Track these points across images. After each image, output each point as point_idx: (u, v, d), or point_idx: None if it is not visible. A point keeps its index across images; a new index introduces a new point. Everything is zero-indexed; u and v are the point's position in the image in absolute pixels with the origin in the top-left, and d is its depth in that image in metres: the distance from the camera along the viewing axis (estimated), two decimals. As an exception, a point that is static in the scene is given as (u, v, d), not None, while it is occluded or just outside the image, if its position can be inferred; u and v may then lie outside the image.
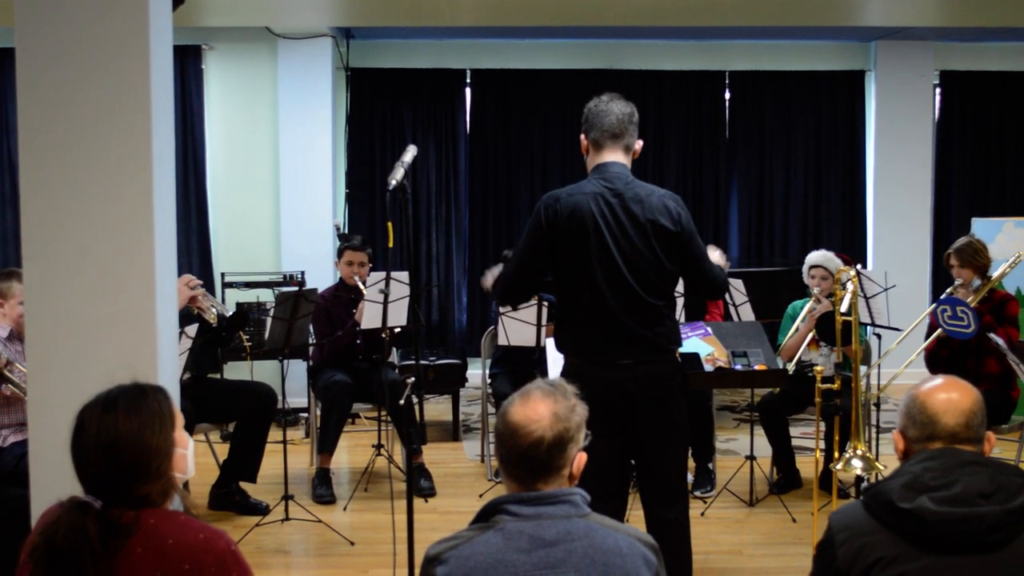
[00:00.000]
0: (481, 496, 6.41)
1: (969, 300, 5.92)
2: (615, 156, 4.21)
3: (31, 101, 3.74)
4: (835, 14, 8.49)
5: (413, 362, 7.69)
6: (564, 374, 4.17)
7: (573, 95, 9.85)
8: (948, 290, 6.18)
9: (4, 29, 8.24)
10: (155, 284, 3.79)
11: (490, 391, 7.17)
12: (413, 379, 4.39)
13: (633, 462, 4.24)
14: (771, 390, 6.46)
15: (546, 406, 2.44)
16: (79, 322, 3.75)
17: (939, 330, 5.99)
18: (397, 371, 7.53)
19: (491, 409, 7.20)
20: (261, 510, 6.12)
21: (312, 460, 7.08)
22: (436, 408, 9.02)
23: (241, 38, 9.22)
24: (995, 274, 6.09)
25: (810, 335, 6.28)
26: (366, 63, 9.76)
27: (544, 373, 5.96)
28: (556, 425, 2.42)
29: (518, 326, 6.57)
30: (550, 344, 4.99)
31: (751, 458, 6.37)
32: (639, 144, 4.27)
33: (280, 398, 6.26)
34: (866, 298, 5.93)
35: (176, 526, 2.44)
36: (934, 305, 6.03)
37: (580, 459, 2.48)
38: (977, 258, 6.07)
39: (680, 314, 6.01)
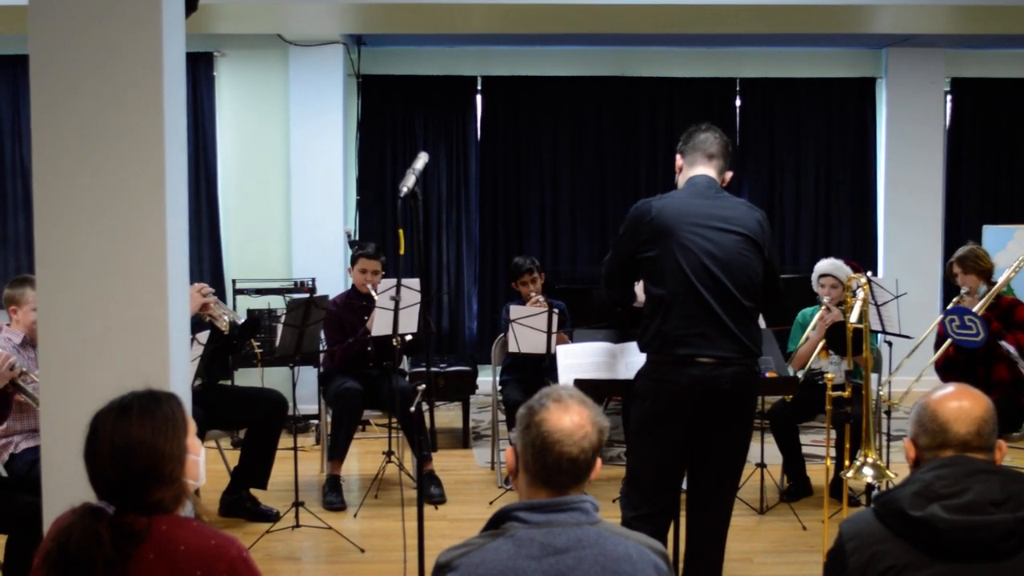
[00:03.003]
0: (491, 503, 6.41)
1: (977, 307, 5.91)
2: (706, 171, 4.32)
3: (44, 108, 3.75)
4: (846, 21, 8.47)
5: (423, 369, 7.72)
6: (643, 373, 4.26)
7: (584, 102, 9.90)
8: (955, 299, 6.18)
9: (18, 37, 8.27)
10: (167, 291, 3.80)
11: (500, 398, 7.17)
12: (423, 386, 4.40)
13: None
14: (782, 397, 6.46)
15: (586, 412, 2.46)
16: (92, 329, 3.76)
17: (948, 341, 5.99)
18: (407, 378, 7.55)
19: (501, 416, 7.20)
20: (271, 517, 6.13)
21: (322, 467, 7.09)
22: (446, 415, 9.02)
23: (253, 45, 9.25)
24: (1000, 279, 6.09)
25: (821, 343, 6.29)
26: (377, 70, 9.78)
27: (554, 380, 5.96)
28: (596, 431, 2.46)
29: (528, 333, 6.58)
30: (560, 351, 5.00)
31: (761, 466, 6.37)
32: (729, 174, 4.40)
33: (291, 405, 6.27)
34: (876, 305, 5.92)
35: (188, 532, 2.45)
36: (941, 316, 6.03)
37: (598, 464, 2.49)
38: (980, 263, 6.07)
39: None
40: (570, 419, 2.43)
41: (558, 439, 2.41)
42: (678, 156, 4.44)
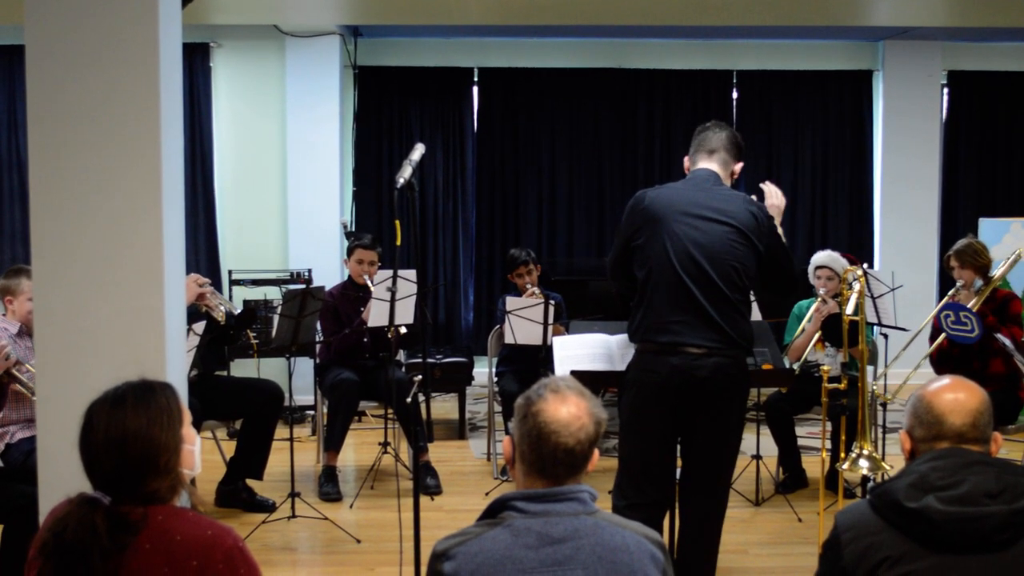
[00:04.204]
0: (487, 494, 6.42)
1: (972, 302, 5.93)
2: (707, 165, 4.35)
3: (40, 98, 3.75)
4: (843, 14, 8.48)
5: (420, 360, 7.73)
6: (631, 363, 4.27)
7: (581, 94, 9.90)
8: (950, 292, 6.19)
9: (14, 27, 8.26)
10: (164, 281, 3.80)
11: (496, 390, 7.18)
12: (420, 377, 4.40)
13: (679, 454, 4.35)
14: (778, 389, 6.46)
15: (584, 403, 2.46)
16: (88, 319, 3.76)
17: (943, 335, 6.00)
18: (404, 369, 7.55)
19: (497, 408, 7.21)
20: (268, 507, 6.13)
21: (319, 458, 7.09)
22: (442, 406, 9.03)
23: (249, 36, 9.23)
24: (996, 274, 6.09)
25: (816, 335, 6.29)
26: (374, 61, 9.77)
27: (551, 372, 5.96)
28: (594, 421, 2.45)
29: (525, 325, 6.58)
30: (556, 342, 5.00)
31: (757, 457, 6.38)
32: (738, 166, 4.42)
33: (287, 395, 6.27)
34: (873, 298, 5.93)
35: (184, 522, 2.44)
36: (936, 310, 6.05)
37: (595, 455, 2.49)
38: (977, 259, 6.08)
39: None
40: (567, 410, 2.43)
41: (555, 430, 2.41)
42: (686, 159, 4.47)
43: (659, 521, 4.27)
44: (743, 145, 4.47)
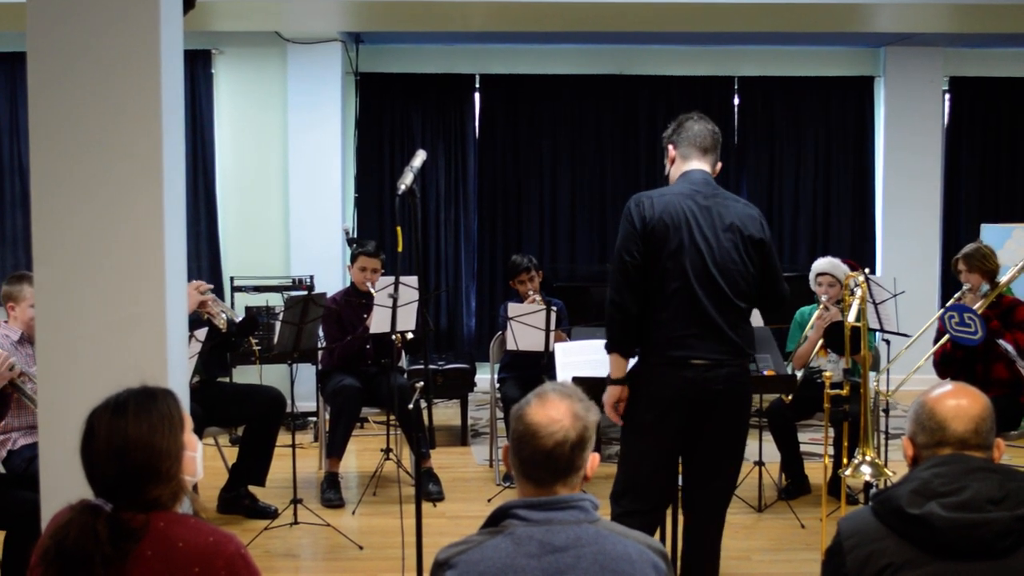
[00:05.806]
0: (489, 501, 6.41)
1: (977, 306, 5.91)
2: (702, 166, 4.28)
3: (42, 105, 3.75)
4: (844, 20, 8.47)
5: (422, 366, 7.72)
6: (635, 374, 4.20)
7: (583, 100, 9.90)
8: (956, 295, 6.18)
9: (16, 34, 8.27)
10: (165, 288, 3.79)
11: (498, 396, 7.17)
12: (422, 383, 4.39)
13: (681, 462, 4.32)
14: (780, 396, 6.45)
15: (566, 406, 2.45)
16: (89, 325, 3.75)
17: (946, 336, 5.99)
18: (406, 375, 7.54)
19: (499, 414, 7.20)
20: (270, 514, 6.13)
21: (321, 464, 7.09)
22: (445, 413, 9.02)
23: (251, 43, 9.24)
24: (1003, 279, 6.09)
25: (819, 342, 6.29)
26: (375, 68, 9.78)
27: (552, 378, 5.95)
28: (577, 424, 2.43)
29: (527, 331, 6.57)
30: (559, 349, 4.99)
31: (760, 464, 6.37)
32: (719, 165, 4.37)
33: (289, 402, 6.26)
34: (875, 304, 5.92)
35: (186, 529, 2.44)
36: (941, 311, 6.04)
37: (594, 460, 2.49)
38: (985, 263, 6.07)
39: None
40: (546, 413, 2.43)
41: (533, 432, 2.42)
42: (670, 146, 4.35)
43: (656, 527, 4.27)
44: None
